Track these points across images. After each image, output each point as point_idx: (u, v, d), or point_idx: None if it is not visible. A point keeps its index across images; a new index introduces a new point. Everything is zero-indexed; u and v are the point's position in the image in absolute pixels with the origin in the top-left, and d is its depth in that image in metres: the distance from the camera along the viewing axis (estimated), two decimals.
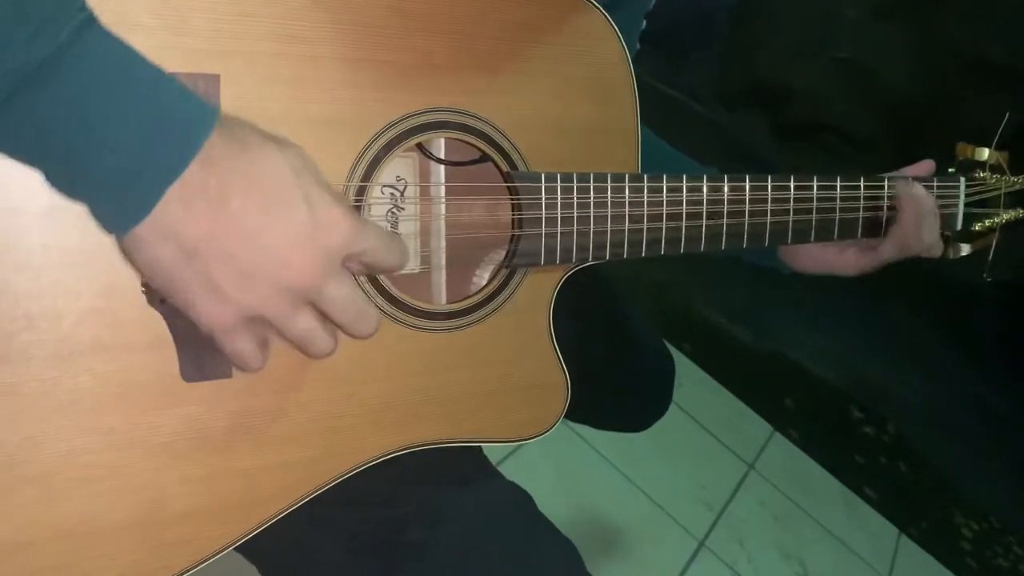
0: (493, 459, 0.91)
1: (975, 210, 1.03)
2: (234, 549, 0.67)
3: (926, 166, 1.03)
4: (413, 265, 0.82)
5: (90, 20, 0.49)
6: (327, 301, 0.55)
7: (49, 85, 0.46)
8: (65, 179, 0.50)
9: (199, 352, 0.61)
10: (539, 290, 0.80)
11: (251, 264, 0.51)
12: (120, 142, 0.48)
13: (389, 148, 0.70)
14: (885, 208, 0.97)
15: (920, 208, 0.96)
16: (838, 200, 0.92)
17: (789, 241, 0.91)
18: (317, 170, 0.55)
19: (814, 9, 2.54)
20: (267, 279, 0.52)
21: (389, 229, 0.79)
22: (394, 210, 0.79)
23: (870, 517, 2.55)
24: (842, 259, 1.03)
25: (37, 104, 0.46)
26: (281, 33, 0.63)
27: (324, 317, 0.57)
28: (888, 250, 0.99)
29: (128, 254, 0.52)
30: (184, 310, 0.53)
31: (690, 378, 2.53)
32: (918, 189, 0.96)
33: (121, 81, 0.49)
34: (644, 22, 1.04)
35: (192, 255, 0.50)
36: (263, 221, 0.51)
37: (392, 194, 0.79)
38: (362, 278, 0.70)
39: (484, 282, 0.81)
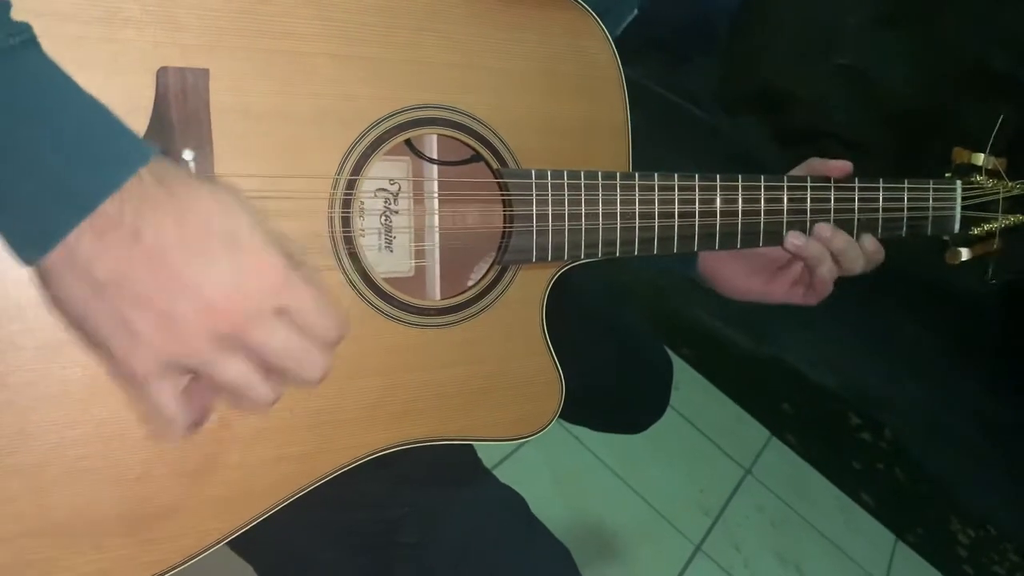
0: (489, 461, 0.91)
1: (973, 214, 1.03)
2: (231, 548, 0.67)
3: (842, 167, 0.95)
4: (406, 267, 0.82)
5: (28, 43, 0.47)
6: (257, 348, 0.51)
7: None
8: None
9: None
10: (531, 287, 0.80)
11: (169, 305, 0.48)
12: (38, 170, 0.46)
13: (378, 144, 0.70)
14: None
15: (820, 259, 0.91)
16: (832, 201, 0.92)
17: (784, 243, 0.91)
18: (254, 213, 0.51)
19: (816, 16, 2.55)
20: (187, 322, 0.49)
21: (383, 232, 0.80)
22: (387, 213, 0.80)
23: (867, 523, 2.54)
24: (769, 288, 0.98)
25: None
26: (271, 29, 0.64)
27: (262, 366, 0.52)
28: (814, 296, 0.96)
29: (42, 285, 0.50)
30: (99, 354, 0.51)
31: (688, 382, 2.52)
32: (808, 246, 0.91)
33: (50, 109, 0.47)
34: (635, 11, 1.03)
35: (103, 291, 0.48)
36: (182, 262, 0.48)
37: (386, 197, 0.79)
38: (353, 272, 0.70)
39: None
